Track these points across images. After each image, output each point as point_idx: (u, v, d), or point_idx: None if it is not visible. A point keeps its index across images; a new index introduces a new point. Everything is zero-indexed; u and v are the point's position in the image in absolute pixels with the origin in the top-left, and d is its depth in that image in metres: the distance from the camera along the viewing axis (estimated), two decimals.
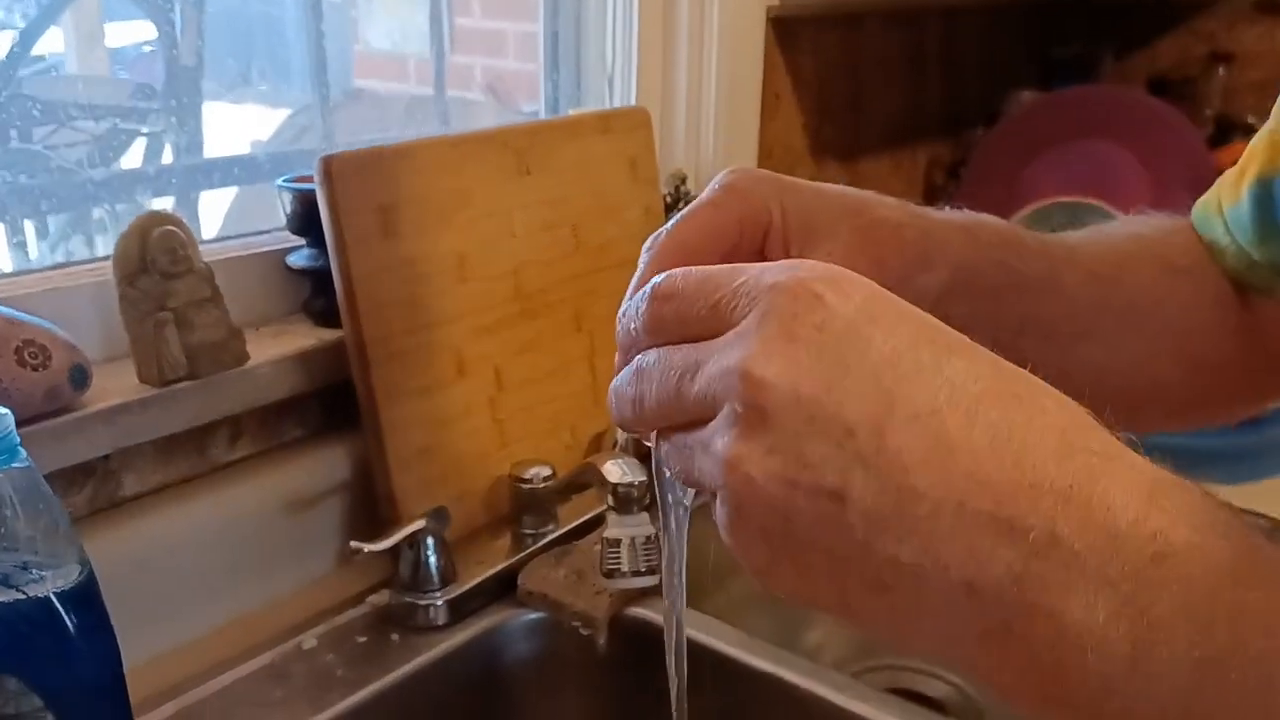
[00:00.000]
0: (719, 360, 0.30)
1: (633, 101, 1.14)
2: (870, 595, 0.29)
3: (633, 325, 0.34)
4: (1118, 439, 0.29)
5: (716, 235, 0.41)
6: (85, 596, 0.53)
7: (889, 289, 0.32)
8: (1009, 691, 0.29)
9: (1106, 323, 0.52)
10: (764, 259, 0.41)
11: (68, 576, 0.53)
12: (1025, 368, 0.31)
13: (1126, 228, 0.57)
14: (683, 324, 0.32)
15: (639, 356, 0.34)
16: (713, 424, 0.30)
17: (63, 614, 0.52)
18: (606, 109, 1.08)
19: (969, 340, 0.30)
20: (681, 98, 1.16)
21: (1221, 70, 1.58)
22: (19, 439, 0.52)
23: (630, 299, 0.35)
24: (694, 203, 0.42)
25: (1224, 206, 0.55)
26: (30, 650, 0.52)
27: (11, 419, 0.51)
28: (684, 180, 1.13)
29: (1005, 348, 0.41)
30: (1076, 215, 1.20)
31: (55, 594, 0.52)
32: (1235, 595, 0.26)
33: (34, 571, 0.52)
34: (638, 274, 0.40)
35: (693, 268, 0.33)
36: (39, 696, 0.52)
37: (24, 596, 0.51)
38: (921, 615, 0.28)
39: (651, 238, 0.41)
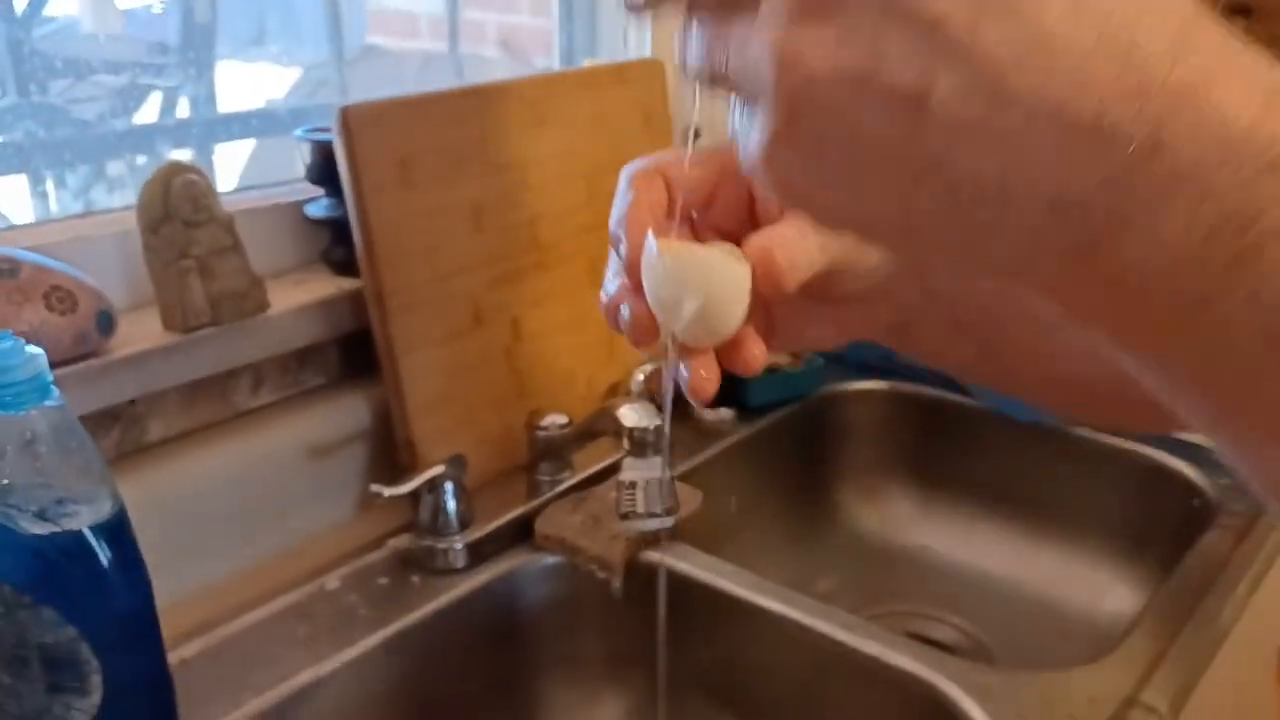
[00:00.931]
0: None
1: (648, 53, 1.14)
2: (940, 215, 0.25)
3: None
4: (1237, 37, 0.24)
5: (694, 167, 0.40)
6: (117, 530, 0.55)
7: None
8: (1085, 312, 0.26)
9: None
10: (751, 209, 0.41)
11: (100, 511, 0.54)
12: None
13: None
14: None
15: None
16: (766, 4, 0.25)
17: (96, 547, 0.54)
18: (621, 60, 1.08)
19: None
20: None
21: (1241, 24, 1.57)
22: (51, 378, 0.53)
23: None
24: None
25: None
26: (65, 582, 0.54)
27: (45, 358, 0.53)
28: (698, 133, 1.13)
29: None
30: None
31: (89, 528, 0.54)
32: None
33: (68, 506, 0.54)
34: (620, 191, 0.40)
35: None
36: (74, 627, 0.54)
37: (59, 530, 0.53)
38: (999, 234, 0.25)
39: (628, 166, 0.40)
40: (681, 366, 0.40)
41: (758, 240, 0.37)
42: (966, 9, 0.23)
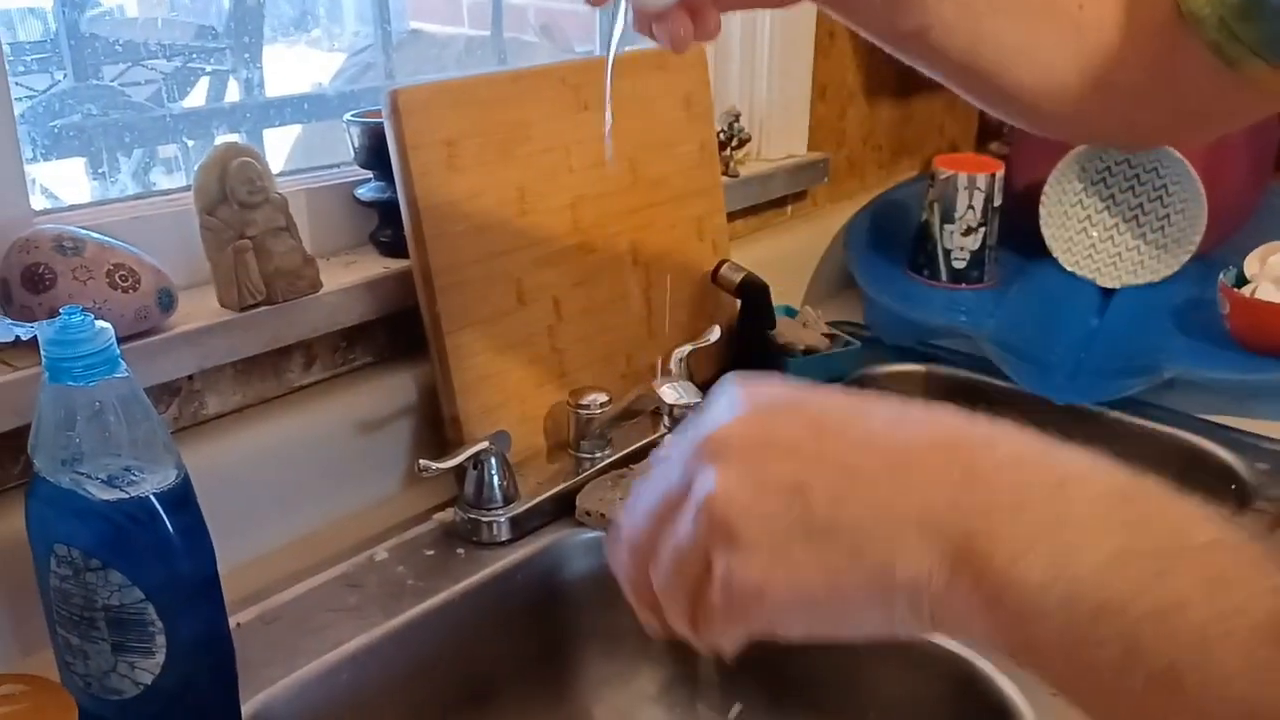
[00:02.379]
0: (685, 453, 0.37)
1: None
2: (852, 569, 0.33)
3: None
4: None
5: None
6: (182, 498, 0.57)
7: None
8: (971, 624, 0.33)
9: (1030, 8, 0.55)
10: None
11: (165, 479, 0.57)
12: (936, 30, 0.48)
13: None
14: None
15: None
16: (691, 494, 0.36)
17: (161, 513, 0.56)
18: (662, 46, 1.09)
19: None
20: (736, 35, 1.17)
21: None
22: (120, 351, 0.56)
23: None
24: None
25: None
26: (132, 546, 0.56)
27: (112, 332, 0.55)
28: (738, 117, 1.14)
29: (928, 8, 0.52)
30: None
31: (154, 494, 0.56)
32: (1127, 511, 0.31)
33: (135, 474, 0.56)
34: None
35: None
36: (140, 589, 0.57)
37: (126, 496, 0.56)
38: (895, 567, 0.33)
39: None
40: (657, 31, 0.49)
41: None
42: (810, 435, 0.35)
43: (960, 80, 0.62)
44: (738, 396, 0.37)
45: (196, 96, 1.10)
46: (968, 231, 1.19)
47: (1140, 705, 0.30)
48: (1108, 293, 1.19)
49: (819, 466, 0.34)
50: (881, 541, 0.33)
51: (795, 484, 0.34)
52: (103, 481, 0.55)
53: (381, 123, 0.80)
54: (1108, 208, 1.21)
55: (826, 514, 0.33)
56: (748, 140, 1.15)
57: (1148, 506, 0.32)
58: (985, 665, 0.70)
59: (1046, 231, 1.21)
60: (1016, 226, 1.22)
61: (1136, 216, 1.20)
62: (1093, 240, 1.22)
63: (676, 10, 0.48)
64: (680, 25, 0.49)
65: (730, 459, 0.35)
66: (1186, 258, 1.16)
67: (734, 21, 1.17)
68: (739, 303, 1.05)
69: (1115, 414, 1.02)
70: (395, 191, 0.81)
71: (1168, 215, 1.18)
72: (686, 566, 0.36)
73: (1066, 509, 0.32)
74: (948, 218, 1.19)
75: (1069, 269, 1.21)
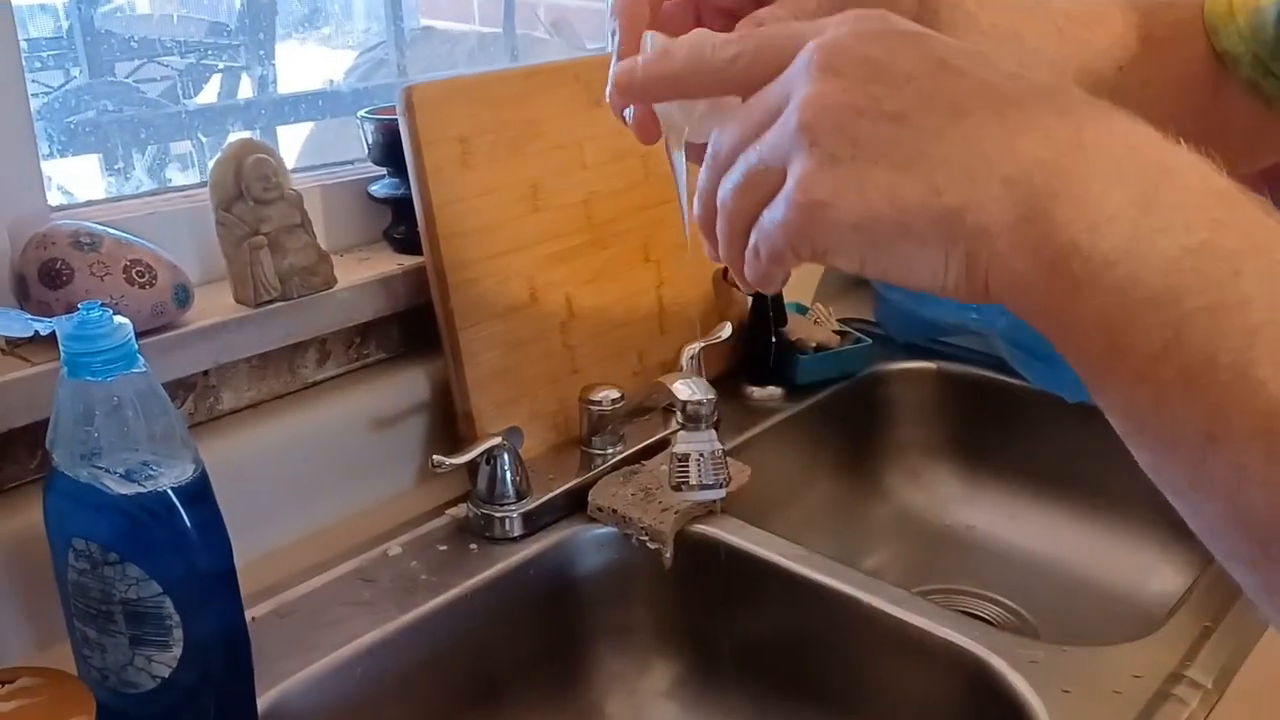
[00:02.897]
0: (795, 62, 0.34)
1: None
2: (925, 205, 0.32)
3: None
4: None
5: None
6: (199, 492, 0.58)
7: None
8: (1021, 286, 0.32)
9: (1061, 78, 0.53)
10: None
11: (183, 473, 0.57)
12: None
13: None
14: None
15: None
16: (791, 83, 0.34)
17: (179, 507, 0.57)
18: None
19: None
20: None
21: None
22: (137, 347, 0.56)
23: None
24: None
25: (1238, 15, 0.55)
26: (150, 540, 0.57)
27: (131, 328, 0.56)
28: None
29: None
30: None
31: (172, 489, 0.57)
32: (1220, 210, 0.31)
33: (152, 468, 0.57)
34: None
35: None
36: (157, 583, 0.57)
37: (144, 490, 0.56)
38: (969, 212, 0.32)
39: None
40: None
41: (745, 26, 0.43)
42: (927, 69, 0.33)
43: None
44: (865, 18, 0.35)
45: (210, 93, 1.10)
46: None
47: (1160, 396, 0.31)
48: None
49: (928, 101, 0.33)
50: (964, 184, 0.32)
51: (897, 112, 0.33)
52: (121, 476, 0.56)
53: (395, 120, 0.80)
54: None
55: (917, 146, 0.32)
56: None
57: (1241, 213, 0.31)
58: (999, 663, 0.70)
59: None
60: None
61: None
62: None
63: None
64: None
65: (839, 71, 0.33)
66: None
67: None
68: (750, 300, 1.05)
69: None
70: (409, 188, 0.81)
71: None
72: (759, 175, 0.35)
73: (1160, 194, 0.31)
74: None
75: None
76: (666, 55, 0.38)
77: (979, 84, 0.33)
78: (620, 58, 0.43)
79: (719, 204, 0.36)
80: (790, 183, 0.33)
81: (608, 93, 0.41)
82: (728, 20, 0.47)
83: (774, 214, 0.34)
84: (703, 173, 0.38)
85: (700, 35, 0.37)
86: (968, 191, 0.32)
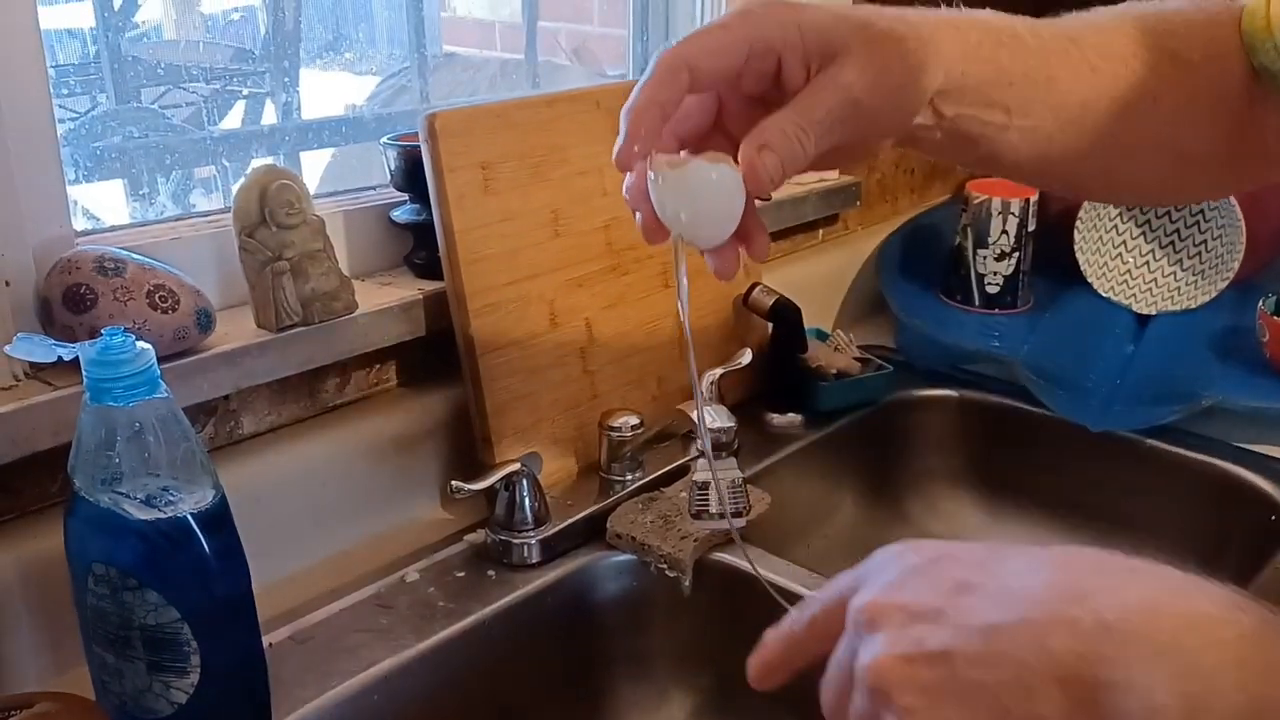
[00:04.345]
0: (847, 625, 0.40)
1: None
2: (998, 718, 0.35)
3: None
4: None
5: (721, 53, 0.45)
6: (218, 518, 0.58)
7: (893, 89, 0.45)
8: None
9: (1094, 115, 0.54)
10: (778, 79, 0.47)
11: (203, 499, 0.57)
12: (1008, 160, 0.48)
13: (1155, 13, 0.57)
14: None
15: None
16: (851, 645, 0.40)
17: (198, 533, 0.57)
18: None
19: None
20: None
21: None
22: (160, 372, 0.56)
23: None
24: (706, 24, 0.47)
25: (1275, 32, 0.54)
26: (168, 566, 0.57)
27: (153, 354, 0.56)
28: None
29: (991, 139, 0.51)
30: None
31: (191, 514, 0.57)
32: (1259, 655, 0.32)
33: (172, 494, 0.57)
34: (641, 80, 0.45)
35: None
36: (176, 609, 0.57)
37: (164, 516, 0.56)
38: (1035, 715, 0.35)
39: (659, 50, 0.45)
40: (708, 258, 0.49)
41: (747, 147, 0.45)
42: (950, 596, 0.37)
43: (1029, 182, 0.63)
44: (888, 566, 0.40)
45: (234, 119, 1.11)
46: (1001, 256, 1.18)
47: None
48: (1143, 319, 1.18)
49: (960, 630, 0.36)
50: (1025, 698, 0.35)
51: (941, 650, 0.36)
52: (141, 501, 0.56)
53: (418, 146, 0.81)
54: (1143, 233, 1.20)
55: (972, 678, 0.36)
56: None
57: (1273, 648, 0.33)
58: None
59: (1081, 257, 1.20)
60: (1051, 252, 1.21)
61: (1173, 242, 1.19)
62: (1128, 266, 1.21)
63: (730, 241, 0.48)
64: (731, 259, 0.50)
65: (880, 628, 0.38)
66: (1224, 284, 1.15)
67: None
68: (770, 326, 1.04)
69: (1151, 442, 1.01)
70: (431, 214, 0.82)
71: (1205, 241, 1.17)
72: None
73: (1196, 658, 0.32)
74: (981, 242, 1.18)
75: (1104, 295, 1.20)
76: (767, 649, 0.45)
77: (997, 595, 0.37)
78: (618, 162, 0.46)
79: None
80: None
81: (624, 190, 0.45)
82: (753, 108, 0.48)
83: None
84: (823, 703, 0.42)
85: (786, 618, 0.45)
86: (1030, 702, 0.35)
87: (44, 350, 0.56)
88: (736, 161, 0.45)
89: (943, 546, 0.40)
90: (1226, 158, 0.58)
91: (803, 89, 0.46)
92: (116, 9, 0.93)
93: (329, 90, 1.10)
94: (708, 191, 0.45)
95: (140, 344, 0.56)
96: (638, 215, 0.48)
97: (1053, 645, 0.34)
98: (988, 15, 0.53)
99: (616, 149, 0.46)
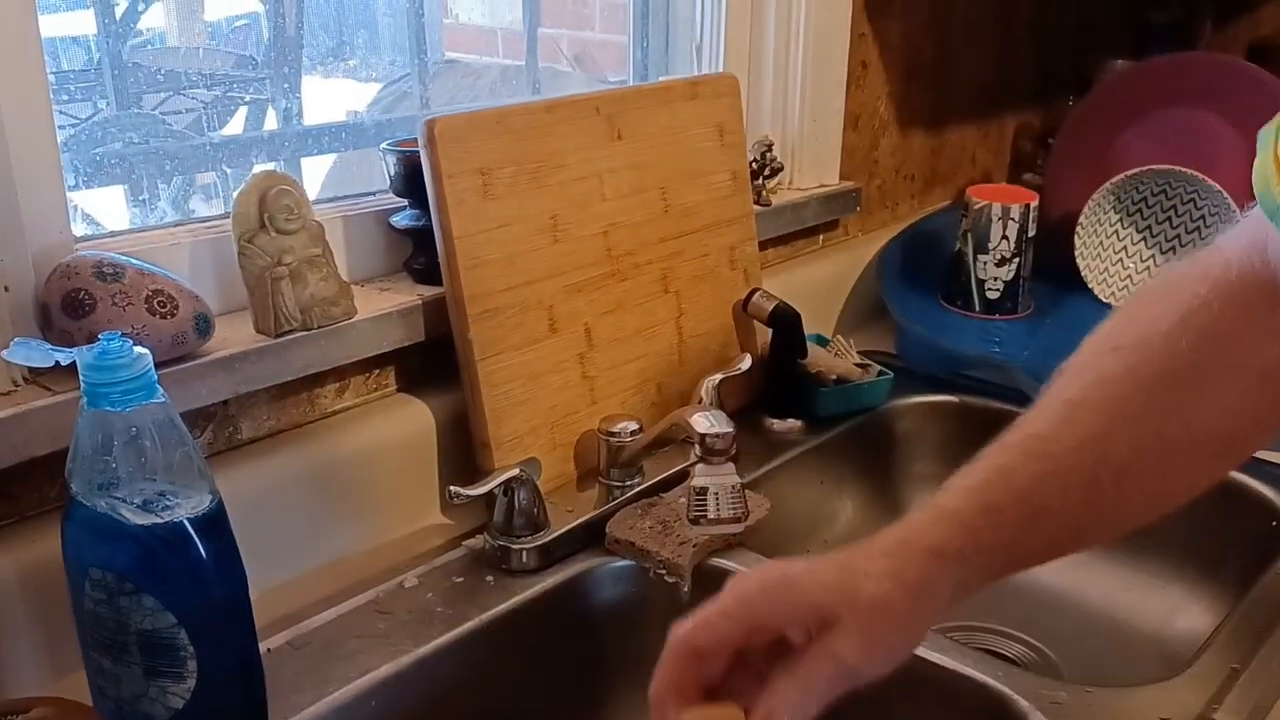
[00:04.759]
0: None
1: (721, 69, 1.15)
2: None
3: None
4: None
5: (725, 637, 0.50)
6: (215, 523, 0.58)
7: (889, 649, 0.50)
8: None
9: (1134, 477, 0.55)
10: (782, 637, 0.51)
11: (199, 504, 0.57)
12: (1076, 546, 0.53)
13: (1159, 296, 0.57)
14: None
15: None
16: None
17: (195, 539, 0.57)
18: (695, 75, 1.10)
19: None
20: (769, 65, 1.18)
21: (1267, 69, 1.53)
22: (156, 377, 0.56)
23: None
24: (709, 605, 0.50)
25: None
26: (165, 571, 0.57)
27: (151, 359, 0.56)
28: (770, 146, 1.14)
29: (1023, 555, 0.55)
30: (1170, 182, 1.19)
31: (188, 519, 0.57)
32: None
33: (169, 499, 0.57)
34: (660, 661, 0.51)
35: None
36: (172, 615, 0.57)
37: (160, 521, 0.56)
38: None
39: (675, 629, 0.50)
40: None
41: (758, 715, 0.48)
42: None
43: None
44: None
45: (235, 125, 1.11)
46: (1001, 262, 1.18)
47: None
48: None
49: None
50: None
51: None
52: (137, 506, 0.56)
53: (417, 151, 0.81)
54: (1144, 239, 1.20)
55: None
56: (780, 169, 1.16)
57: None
58: (1022, 703, 0.69)
59: (1081, 263, 1.20)
60: (1051, 257, 1.21)
61: (1174, 247, 1.19)
62: (1129, 272, 1.21)
63: None
64: None
65: None
66: None
67: (767, 51, 1.18)
68: (770, 331, 1.04)
69: None
70: (430, 219, 0.82)
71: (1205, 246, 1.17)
72: None
73: None
74: (981, 248, 1.18)
75: (1105, 300, 1.20)
76: None
77: None
78: (657, 674, 0.51)
79: None
80: None
81: None
82: (771, 651, 0.51)
83: None
84: None
85: None
86: None
87: (41, 355, 0.56)
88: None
89: None
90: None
91: (803, 657, 0.49)
92: (119, 17, 0.93)
93: (331, 97, 1.10)
94: None
95: (137, 349, 0.56)
96: None
97: None
98: (978, 478, 0.54)
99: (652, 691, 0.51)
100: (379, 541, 0.84)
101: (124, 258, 0.71)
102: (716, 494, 0.72)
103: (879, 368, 1.11)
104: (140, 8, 1.00)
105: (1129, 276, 1.20)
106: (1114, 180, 1.18)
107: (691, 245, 0.98)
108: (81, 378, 0.55)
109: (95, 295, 0.67)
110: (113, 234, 0.80)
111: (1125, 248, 1.21)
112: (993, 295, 1.20)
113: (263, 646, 0.65)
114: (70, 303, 0.67)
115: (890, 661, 0.51)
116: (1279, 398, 0.55)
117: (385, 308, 0.82)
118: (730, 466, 0.75)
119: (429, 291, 0.85)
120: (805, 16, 1.16)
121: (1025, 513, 0.52)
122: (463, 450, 0.87)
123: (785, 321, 1.03)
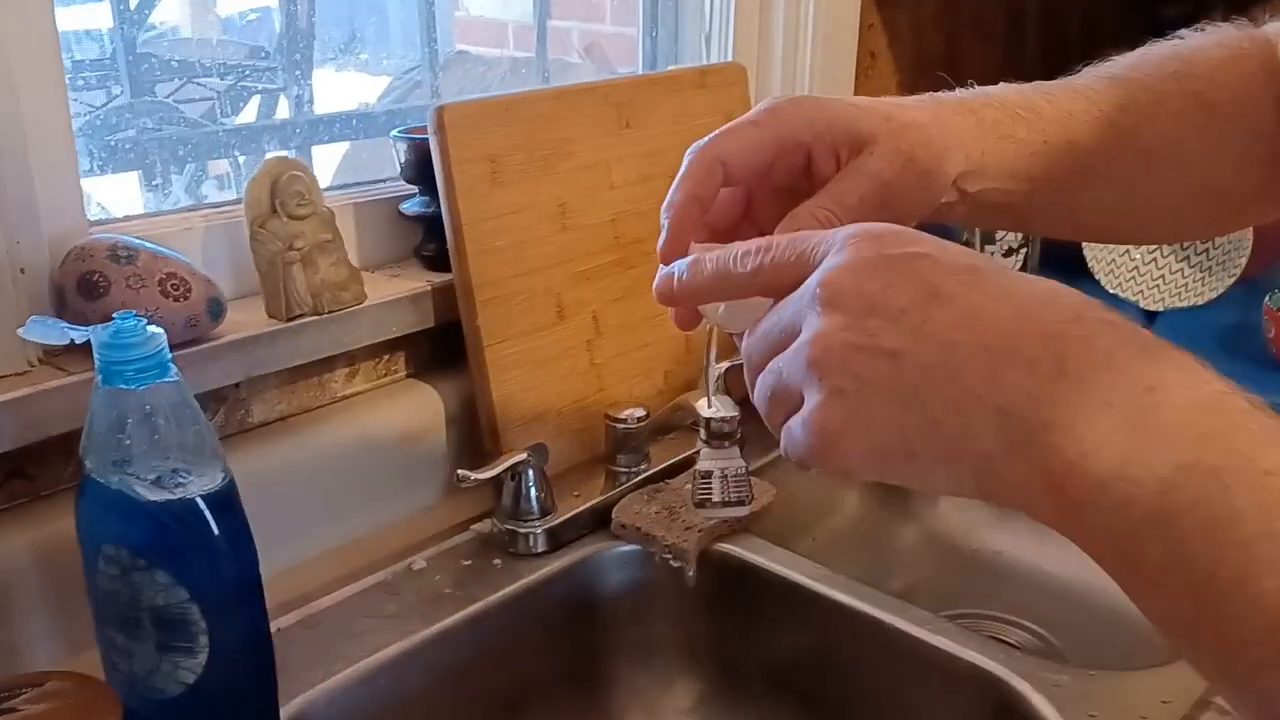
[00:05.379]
0: (803, 290, 0.38)
1: (730, 58, 1.16)
2: (927, 435, 0.35)
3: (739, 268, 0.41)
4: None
5: (753, 149, 0.48)
6: (227, 501, 0.59)
7: (920, 174, 0.47)
8: (1030, 503, 0.34)
9: (1119, 170, 0.55)
10: (807, 171, 0.49)
11: (212, 482, 0.58)
12: (1038, 222, 0.45)
13: (1177, 55, 0.57)
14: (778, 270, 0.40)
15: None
16: (802, 312, 0.38)
17: (207, 515, 0.58)
18: (704, 65, 1.10)
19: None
20: (778, 55, 1.18)
21: None
22: (170, 355, 0.57)
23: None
24: (738, 118, 0.48)
25: None
26: (178, 547, 0.58)
27: (164, 337, 0.57)
28: None
29: (1018, 206, 0.52)
30: None
31: (200, 496, 0.58)
32: (1206, 423, 0.32)
33: (182, 476, 0.58)
34: (678, 177, 0.47)
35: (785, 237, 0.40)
36: (185, 590, 0.58)
37: (173, 497, 0.57)
38: (968, 440, 0.35)
39: (694, 144, 0.47)
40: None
41: (783, 220, 0.46)
42: (920, 302, 0.35)
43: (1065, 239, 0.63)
44: (863, 242, 0.38)
45: (248, 113, 1.12)
46: (1009, 253, 1.18)
47: (1176, 603, 0.32)
48: (1151, 315, 1.18)
49: (919, 337, 0.35)
50: (960, 417, 0.34)
51: (892, 350, 0.35)
52: (151, 483, 0.57)
53: (427, 139, 0.81)
54: None
55: (914, 383, 0.35)
56: None
57: (1227, 422, 0.32)
58: (1024, 687, 0.69)
59: (1088, 253, 1.20)
60: (1058, 248, 1.21)
61: None
62: (1135, 262, 1.21)
63: None
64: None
65: (839, 309, 0.36)
66: (1231, 281, 1.15)
67: (776, 39, 1.18)
68: None
69: None
70: (439, 206, 0.82)
71: (1212, 237, 1.17)
72: (781, 393, 0.38)
73: (1147, 416, 0.32)
74: (988, 239, 1.19)
75: (1111, 291, 1.20)
76: (698, 268, 0.42)
77: (967, 312, 0.35)
78: (662, 256, 0.48)
79: (756, 405, 0.40)
80: (806, 409, 0.37)
81: (654, 290, 0.46)
82: (782, 199, 0.50)
83: (795, 435, 0.37)
84: (746, 372, 0.41)
85: (728, 249, 0.41)
86: (964, 421, 0.34)
87: (56, 333, 0.57)
88: None
89: (929, 244, 0.38)
90: (1266, 190, 0.57)
91: (834, 177, 0.48)
92: (133, 9, 0.94)
93: (343, 90, 1.11)
94: None
95: (151, 328, 0.57)
96: (671, 311, 0.49)
97: (1005, 378, 0.34)
98: (1004, 90, 0.55)
99: (661, 243, 0.48)
100: (388, 524, 0.85)
101: (138, 241, 0.72)
102: (722, 478, 0.72)
103: None
104: (155, 0, 1.01)
105: (1135, 267, 1.21)
106: None
107: None
108: (96, 355, 0.56)
109: (110, 278, 0.68)
110: (127, 218, 0.81)
111: None
112: None
113: (273, 626, 0.66)
114: (85, 285, 0.68)
115: (919, 186, 0.49)
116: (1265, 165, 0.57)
117: (395, 293, 0.83)
118: (735, 451, 0.75)
119: (438, 278, 0.86)
120: (814, 6, 1.16)
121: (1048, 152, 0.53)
122: (471, 435, 0.87)
123: None
